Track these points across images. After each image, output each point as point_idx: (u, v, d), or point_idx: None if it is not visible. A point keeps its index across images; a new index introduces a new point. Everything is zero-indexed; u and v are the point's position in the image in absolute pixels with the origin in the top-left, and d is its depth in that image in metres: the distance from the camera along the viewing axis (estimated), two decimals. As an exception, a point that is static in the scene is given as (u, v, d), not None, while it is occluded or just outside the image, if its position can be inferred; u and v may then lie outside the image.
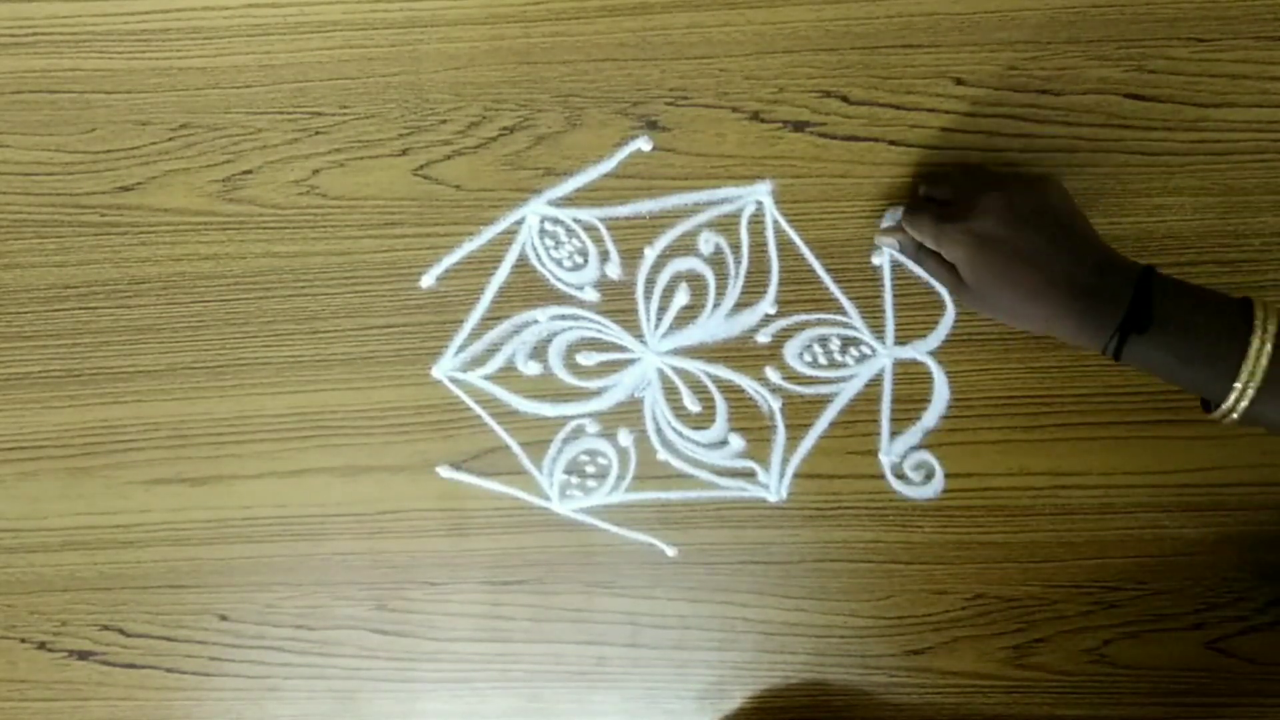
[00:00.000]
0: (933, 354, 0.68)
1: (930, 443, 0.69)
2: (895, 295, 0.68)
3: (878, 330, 0.68)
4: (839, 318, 0.68)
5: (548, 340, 0.69)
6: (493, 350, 0.69)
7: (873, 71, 0.66)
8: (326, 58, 0.67)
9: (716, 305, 0.68)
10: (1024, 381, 0.68)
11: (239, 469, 0.70)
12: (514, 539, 0.70)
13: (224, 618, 0.72)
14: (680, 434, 0.69)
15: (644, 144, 0.67)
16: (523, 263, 0.69)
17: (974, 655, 0.70)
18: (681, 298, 0.68)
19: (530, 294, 0.69)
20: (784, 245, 0.68)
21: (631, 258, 0.69)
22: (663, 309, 0.69)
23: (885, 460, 0.69)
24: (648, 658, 0.71)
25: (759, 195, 0.68)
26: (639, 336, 0.69)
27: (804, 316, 0.68)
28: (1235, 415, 0.54)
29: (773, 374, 0.69)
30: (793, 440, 0.69)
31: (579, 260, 0.69)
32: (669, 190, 0.68)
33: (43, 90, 0.68)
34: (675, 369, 0.69)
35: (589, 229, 0.68)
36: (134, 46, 0.67)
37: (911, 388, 0.68)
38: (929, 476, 0.69)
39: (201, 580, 0.71)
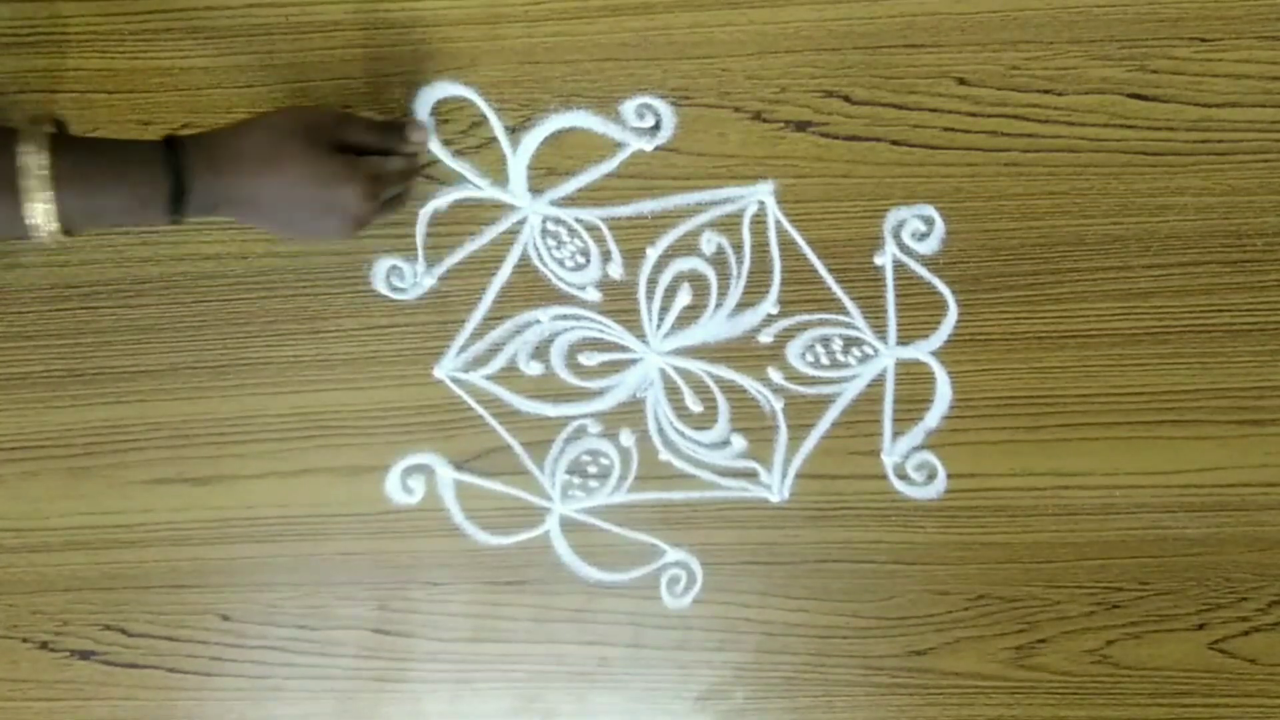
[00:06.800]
0: (935, 354, 0.68)
1: (933, 443, 0.69)
2: (897, 295, 0.68)
3: (880, 330, 0.68)
4: (841, 318, 0.68)
5: (549, 340, 0.69)
6: (494, 350, 0.69)
7: (875, 71, 0.66)
8: (329, 57, 0.67)
9: (719, 305, 0.68)
10: (1026, 382, 0.68)
11: (241, 469, 0.70)
12: (516, 539, 0.70)
13: (226, 618, 0.72)
14: (682, 434, 0.69)
15: (646, 144, 0.67)
16: (525, 263, 0.69)
17: (976, 656, 0.70)
18: (684, 298, 0.68)
19: (532, 294, 0.69)
20: (786, 245, 0.68)
21: (634, 258, 0.68)
22: (665, 309, 0.69)
23: (888, 460, 0.69)
24: (650, 658, 0.71)
25: (761, 195, 0.68)
26: (641, 337, 0.69)
27: (806, 316, 0.68)
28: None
29: (775, 374, 0.69)
30: (795, 440, 0.69)
31: (581, 260, 0.69)
32: (671, 190, 0.68)
33: (45, 90, 0.68)
34: (677, 369, 0.69)
35: (591, 229, 0.68)
36: (137, 46, 0.67)
37: (914, 388, 0.68)
38: (931, 477, 0.69)
39: (203, 580, 0.71)
